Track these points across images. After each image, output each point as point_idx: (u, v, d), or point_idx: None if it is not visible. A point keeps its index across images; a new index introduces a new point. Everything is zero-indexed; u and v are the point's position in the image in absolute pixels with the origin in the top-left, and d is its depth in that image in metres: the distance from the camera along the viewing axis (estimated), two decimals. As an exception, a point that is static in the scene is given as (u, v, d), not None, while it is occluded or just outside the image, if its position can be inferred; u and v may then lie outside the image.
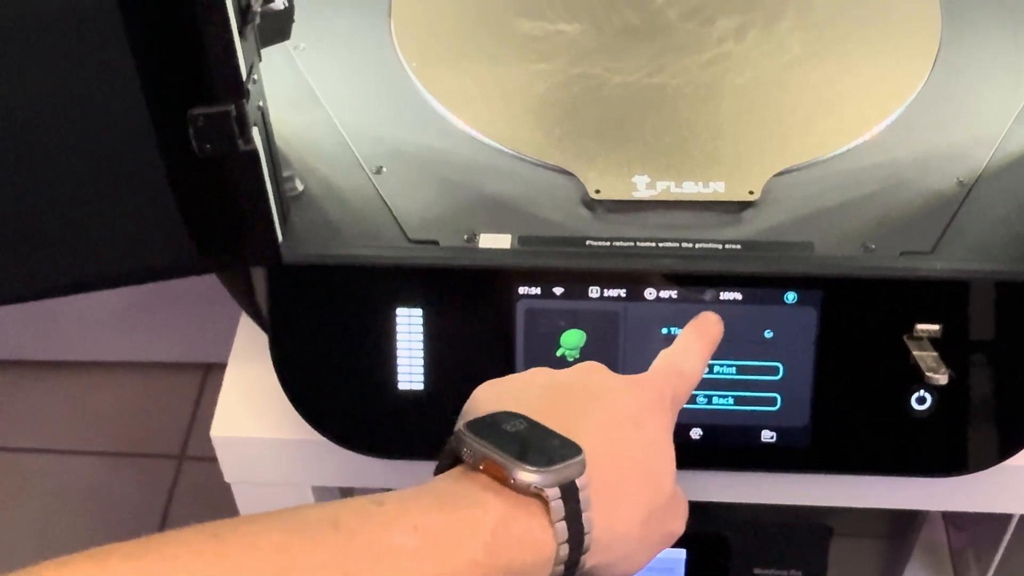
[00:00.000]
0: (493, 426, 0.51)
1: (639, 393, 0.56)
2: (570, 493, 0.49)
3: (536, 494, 0.48)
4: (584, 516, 0.49)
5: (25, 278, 0.67)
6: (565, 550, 0.49)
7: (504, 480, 0.48)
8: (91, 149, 0.63)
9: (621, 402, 0.55)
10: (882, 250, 0.68)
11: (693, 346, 0.61)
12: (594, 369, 0.58)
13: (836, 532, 0.98)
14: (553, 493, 0.48)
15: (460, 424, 0.52)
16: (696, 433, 0.72)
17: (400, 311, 0.70)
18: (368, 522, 0.45)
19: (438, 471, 0.52)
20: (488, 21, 0.85)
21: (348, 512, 0.46)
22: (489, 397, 0.55)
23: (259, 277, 0.72)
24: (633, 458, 0.53)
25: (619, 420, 0.54)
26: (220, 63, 0.59)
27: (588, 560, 0.50)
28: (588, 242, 0.70)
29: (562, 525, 0.48)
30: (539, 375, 0.57)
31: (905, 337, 0.67)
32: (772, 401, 0.70)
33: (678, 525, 0.57)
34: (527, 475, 0.48)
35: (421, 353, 0.70)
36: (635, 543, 0.53)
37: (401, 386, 0.71)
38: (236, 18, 0.58)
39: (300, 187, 0.73)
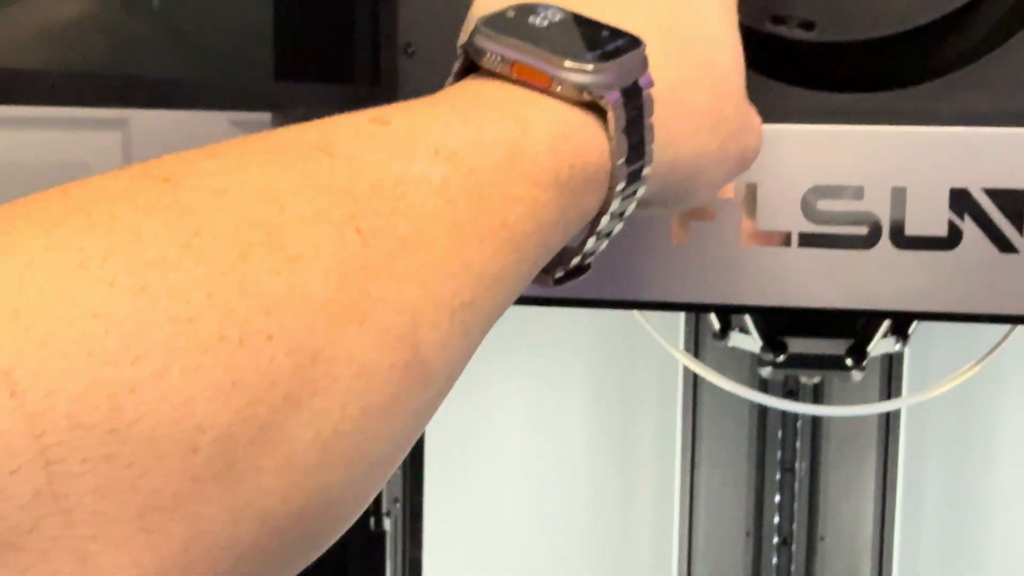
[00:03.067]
0: (520, 20, 0.39)
1: None
2: (632, 96, 0.38)
3: (589, 100, 0.37)
4: (646, 123, 0.39)
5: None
6: (623, 172, 0.38)
7: (545, 86, 0.37)
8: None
9: None
10: None
11: None
12: None
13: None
14: (613, 97, 0.37)
15: (471, 27, 0.40)
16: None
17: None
18: (372, 147, 0.33)
19: None
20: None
21: (342, 135, 0.33)
22: None
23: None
24: (695, 54, 0.43)
25: (671, 8, 0.43)
26: None
27: (651, 182, 0.40)
28: None
29: (622, 139, 0.38)
30: None
31: None
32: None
33: (754, 139, 0.48)
34: (578, 75, 0.37)
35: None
36: (706, 158, 0.44)
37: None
38: None
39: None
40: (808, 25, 0.56)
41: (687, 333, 1.11)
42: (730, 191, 0.56)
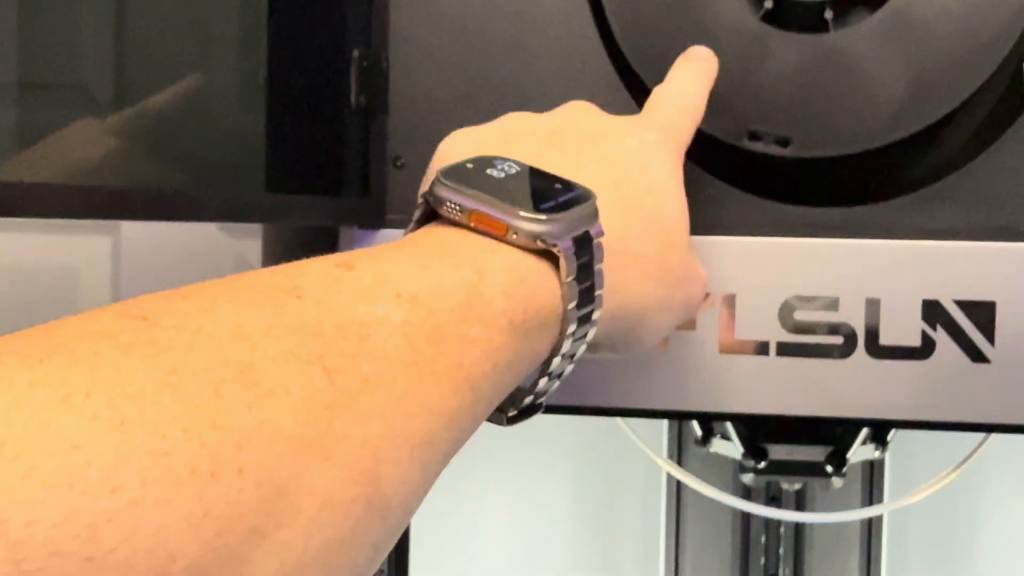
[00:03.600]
0: (478, 171, 0.41)
1: (642, 134, 0.48)
2: (583, 244, 0.40)
3: (543, 248, 0.39)
4: (596, 269, 0.41)
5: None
6: (575, 314, 0.40)
7: (501, 234, 0.39)
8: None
9: (621, 144, 0.47)
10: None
11: (691, 79, 0.53)
12: (585, 109, 0.49)
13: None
14: (565, 245, 0.39)
15: (432, 177, 0.42)
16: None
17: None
18: (338, 290, 0.34)
19: None
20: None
21: (309, 278, 0.35)
22: (463, 149, 0.45)
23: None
24: (643, 208, 0.45)
25: (622, 164, 0.46)
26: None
27: (601, 326, 0.42)
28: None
29: (573, 285, 0.40)
30: (521, 120, 0.49)
31: None
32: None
33: (698, 288, 0.50)
34: (532, 224, 0.39)
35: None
36: (652, 304, 0.46)
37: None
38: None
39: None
40: (783, 142, 0.57)
41: (670, 439, 1.11)
42: (711, 301, 0.57)
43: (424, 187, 0.44)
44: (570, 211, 0.40)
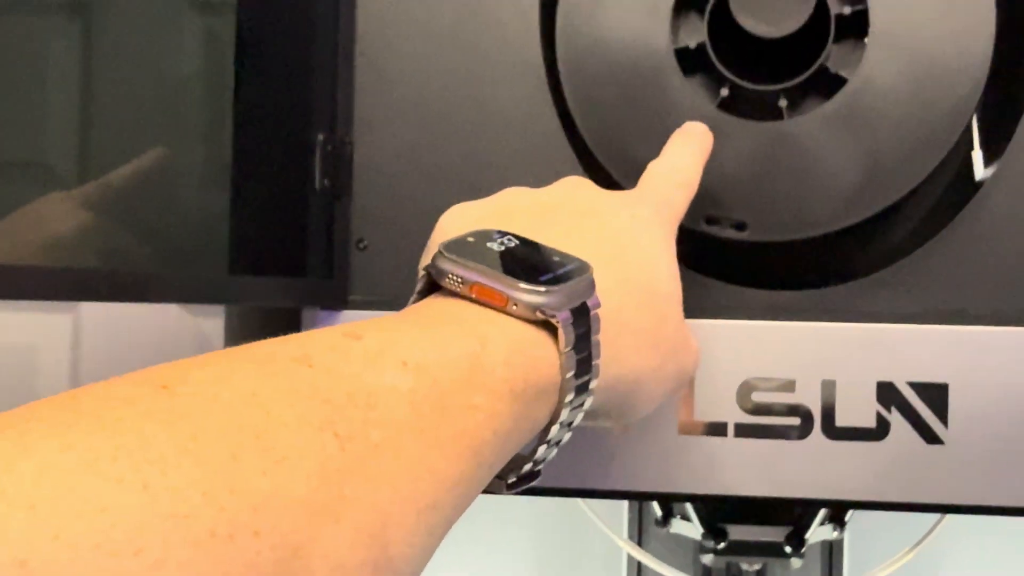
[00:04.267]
0: (478, 245, 0.42)
1: (635, 209, 0.49)
2: (581, 315, 0.41)
3: (542, 319, 0.40)
4: (593, 340, 0.42)
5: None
6: (572, 384, 0.41)
7: (501, 305, 0.40)
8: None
9: (615, 220, 0.48)
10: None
11: (685, 154, 0.54)
12: (580, 185, 0.51)
13: None
14: (564, 316, 0.40)
15: (433, 250, 0.43)
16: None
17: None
18: (347, 359, 0.35)
19: None
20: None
21: (319, 348, 0.36)
22: (462, 223, 0.46)
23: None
24: (638, 280, 0.46)
25: (616, 239, 0.47)
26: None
27: (598, 395, 0.43)
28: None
29: (571, 355, 0.41)
30: (518, 195, 0.50)
31: None
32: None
33: (691, 360, 0.51)
34: (532, 296, 0.40)
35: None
36: (647, 374, 0.47)
37: None
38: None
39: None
40: (740, 226, 0.58)
41: (631, 520, 1.11)
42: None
43: (425, 260, 0.45)
44: (568, 283, 0.41)
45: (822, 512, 0.92)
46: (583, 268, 0.43)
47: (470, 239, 0.43)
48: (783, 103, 0.59)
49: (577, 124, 0.61)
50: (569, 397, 0.41)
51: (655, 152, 0.58)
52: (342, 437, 0.33)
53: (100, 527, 0.27)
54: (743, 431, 0.58)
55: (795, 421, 0.57)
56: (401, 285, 0.62)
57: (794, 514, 0.92)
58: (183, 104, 0.62)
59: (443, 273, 0.41)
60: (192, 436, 0.30)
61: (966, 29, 0.58)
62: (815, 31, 0.58)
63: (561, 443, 0.44)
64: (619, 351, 0.45)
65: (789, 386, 0.57)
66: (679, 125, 0.58)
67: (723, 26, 0.58)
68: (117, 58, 0.60)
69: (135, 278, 0.55)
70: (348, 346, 0.36)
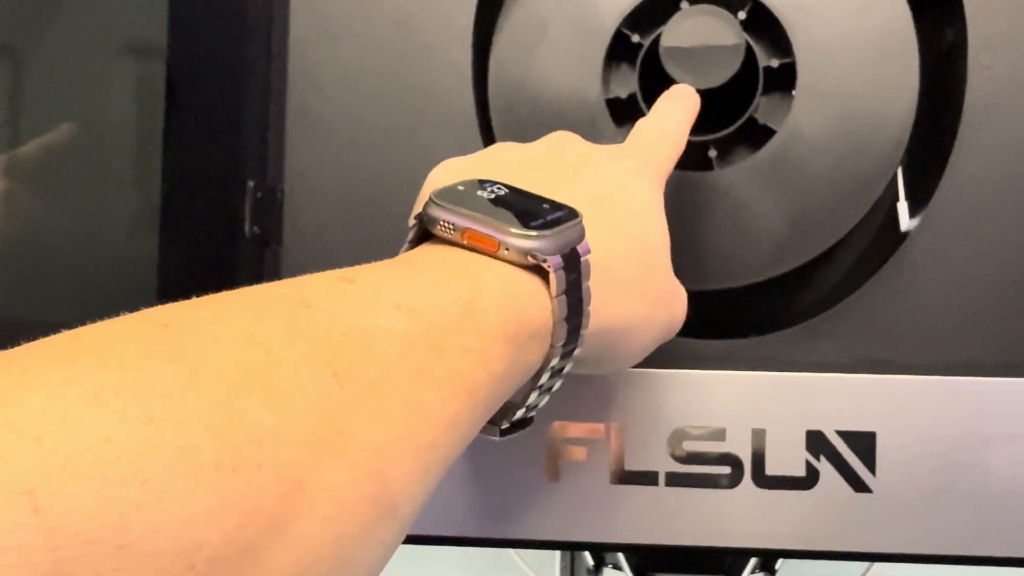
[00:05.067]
0: (468, 193, 0.43)
1: (624, 161, 0.49)
2: (571, 261, 0.41)
3: (533, 264, 0.41)
4: (584, 286, 0.42)
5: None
6: (563, 330, 0.42)
7: (493, 250, 0.41)
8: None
9: (604, 170, 0.48)
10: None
11: (672, 111, 0.54)
12: (568, 139, 0.51)
13: None
14: (555, 261, 0.41)
15: (424, 200, 0.44)
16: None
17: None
18: (343, 300, 0.36)
19: None
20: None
21: (315, 290, 0.36)
22: (452, 175, 0.46)
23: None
24: (626, 230, 0.46)
25: (605, 188, 0.47)
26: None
27: (587, 341, 0.44)
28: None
29: (563, 300, 0.41)
30: (506, 150, 0.50)
31: None
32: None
33: (679, 308, 0.51)
34: (523, 240, 0.40)
35: None
36: (636, 321, 0.47)
37: None
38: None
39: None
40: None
41: (562, 569, 1.11)
42: (600, 431, 0.58)
43: (417, 208, 0.45)
44: (558, 228, 0.42)
45: (753, 560, 0.92)
46: (573, 214, 0.43)
47: (460, 187, 0.43)
48: (712, 153, 0.60)
49: (509, 173, 0.61)
50: (560, 342, 0.42)
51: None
52: (340, 376, 0.33)
53: (106, 458, 0.27)
54: (674, 480, 0.58)
55: (726, 470, 0.57)
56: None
57: (725, 563, 0.93)
58: (111, 149, 0.61)
59: (434, 220, 0.42)
60: (194, 371, 0.30)
61: (891, 82, 0.59)
62: (744, 83, 0.59)
63: (552, 390, 0.45)
64: (609, 298, 0.45)
65: (719, 435, 0.57)
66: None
67: (654, 76, 0.59)
68: (45, 102, 0.60)
69: (56, 327, 0.54)
70: (343, 288, 0.37)
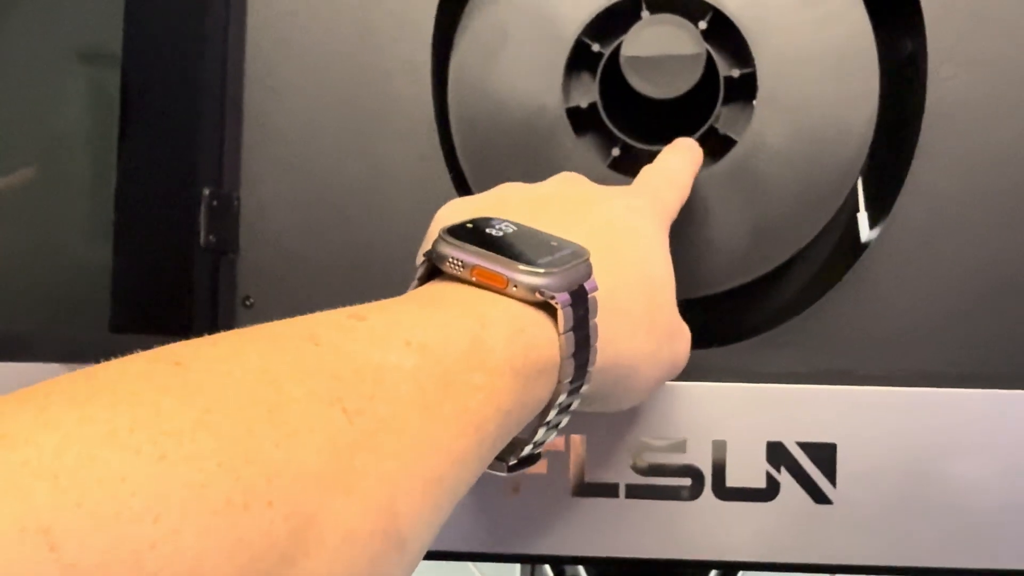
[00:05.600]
0: (477, 230, 0.43)
1: (629, 200, 0.50)
2: (579, 298, 0.42)
3: (542, 301, 0.41)
4: (591, 323, 0.43)
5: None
6: (571, 366, 0.42)
7: (501, 287, 0.41)
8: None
9: (611, 209, 0.49)
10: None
11: (676, 160, 0.55)
12: (576, 179, 0.51)
13: None
14: (563, 298, 0.41)
15: (432, 237, 0.44)
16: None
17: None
18: (352, 338, 0.36)
19: None
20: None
21: (325, 327, 0.37)
22: (460, 215, 0.46)
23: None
24: (632, 268, 0.47)
25: (612, 226, 0.48)
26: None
27: (594, 378, 0.44)
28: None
29: (570, 336, 0.41)
30: (514, 190, 0.50)
31: None
32: None
33: (684, 346, 0.51)
34: (532, 278, 0.41)
35: None
36: (642, 358, 0.47)
37: None
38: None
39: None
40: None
41: (523, 582, 1.10)
42: (561, 444, 0.57)
43: (426, 246, 0.46)
44: (566, 266, 0.42)
45: (713, 573, 0.92)
46: (580, 252, 0.43)
47: (469, 225, 0.44)
48: (674, 163, 0.59)
49: (469, 182, 0.61)
50: (568, 378, 0.42)
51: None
52: (350, 412, 0.34)
53: (120, 496, 0.27)
54: (635, 492, 0.57)
55: (686, 482, 0.57)
56: (288, 344, 0.61)
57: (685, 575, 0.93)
58: (65, 156, 0.61)
59: (443, 257, 0.42)
60: (206, 409, 0.31)
61: (851, 93, 0.59)
62: (705, 93, 0.58)
63: (560, 427, 0.45)
64: (616, 335, 0.45)
65: (680, 446, 0.57)
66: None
67: (615, 86, 0.58)
68: (-2, 108, 0.59)
69: (10, 337, 0.53)
70: (353, 326, 0.37)
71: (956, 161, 0.59)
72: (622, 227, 0.48)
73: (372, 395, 0.35)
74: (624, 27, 0.59)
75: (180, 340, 0.60)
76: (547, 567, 0.98)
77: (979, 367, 0.58)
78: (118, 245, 0.59)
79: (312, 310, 0.61)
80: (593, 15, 0.60)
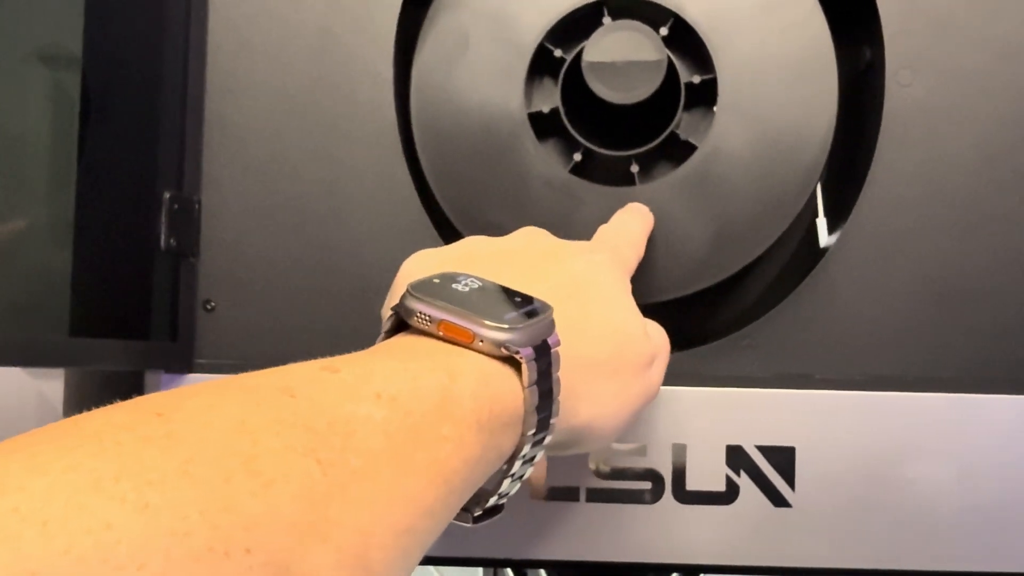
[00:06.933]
0: (443, 286, 0.44)
1: (590, 254, 0.51)
2: (542, 353, 0.43)
3: (507, 356, 0.42)
4: (554, 376, 0.44)
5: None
6: (534, 418, 0.43)
7: (467, 342, 0.42)
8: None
9: (574, 264, 0.50)
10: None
11: (631, 220, 0.57)
12: (538, 234, 0.53)
13: None
14: (527, 353, 0.42)
15: (399, 292, 0.45)
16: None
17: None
18: (326, 390, 0.37)
19: None
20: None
21: (300, 380, 0.38)
22: (425, 269, 0.47)
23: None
24: (593, 315, 0.48)
25: (575, 281, 0.49)
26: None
27: (556, 429, 0.45)
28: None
29: (534, 390, 0.42)
30: (479, 244, 0.52)
31: None
32: None
33: (656, 372, 0.52)
34: (497, 333, 0.42)
35: None
36: (606, 404, 0.48)
37: None
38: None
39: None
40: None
41: (485, 587, 1.10)
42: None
43: (391, 302, 0.47)
44: (530, 321, 0.43)
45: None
46: (544, 308, 0.45)
47: (436, 280, 0.45)
48: (635, 169, 0.60)
49: (432, 188, 0.61)
50: (532, 430, 0.43)
51: (507, 215, 0.58)
52: (324, 463, 0.34)
53: (106, 543, 0.28)
54: (595, 495, 0.58)
55: (647, 485, 0.57)
56: (249, 347, 0.61)
57: (647, 579, 0.93)
58: (23, 158, 0.60)
59: (411, 312, 0.43)
60: (188, 459, 0.31)
61: (811, 100, 0.59)
62: (666, 99, 0.59)
63: (524, 477, 0.46)
64: (579, 387, 0.47)
65: (641, 450, 0.57)
66: (532, 189, 0.58)
67: (577, 92, 0.59)
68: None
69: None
70: (327, 379, 0.38)
71: (914, 168, 0.59)
72: (584, 281, 0.49)
73: (344, 447, 0.35)
74: (586, 33, 0.59)
75: (140, 343, 0.60)
76: (509, 571, 0.98)
77: (936, 372, 0.59)
78: (78, 248, 0.59)
79: (272, 314, 0.61)
80: (555, 21, 0.60)
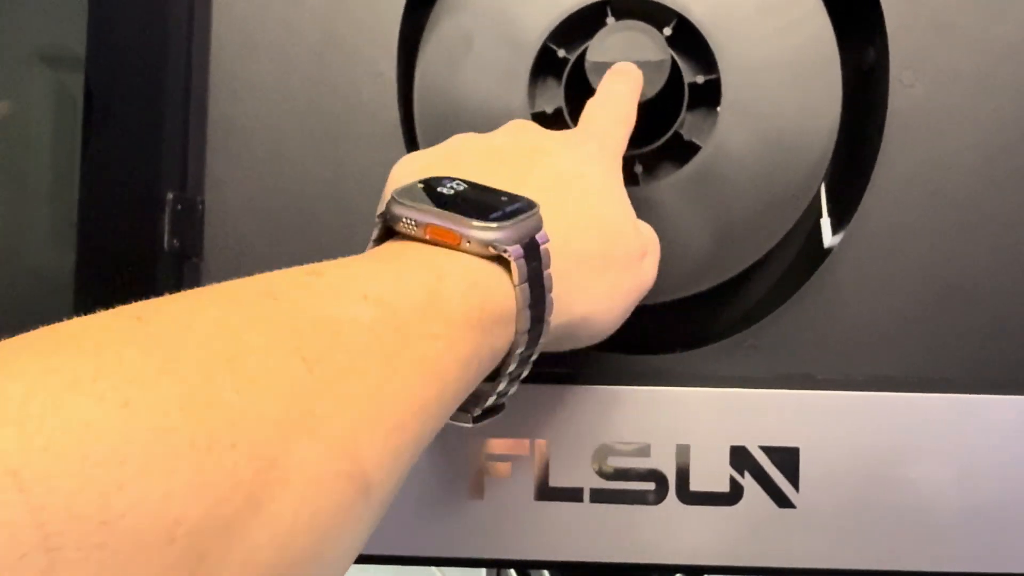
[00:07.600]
0: (429, 190, 0.44)
1: (579, 146, 0.51)
2: (532, 250, 0.43)
3: (495, 255, 0.42)
4: (545, 273, 0.44)
5: None
6: (527, 316, 0.43)
7: (455, 244, 0.42)
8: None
9: (561, 159, 0.49)
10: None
11: (618, 89, 0.55)
12: (526, 127, 0.52)
13: None
14: (516, 251, 0.42)
15: (387, 198, 0.45)
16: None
17: None
18: (310, 293, 0.37)
19: None
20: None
21: (283, 284, 0.38)
22: (412, 171, 0.48)
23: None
24: (581, 210, 0.48)
25: (562, 177, 0.49)
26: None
27: (551, 326, 0.45)
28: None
29: (525, 288, 0.43)
30: (465, 141, 0.51)
31: None
32: None
33: (649, 265, 0.52)
34: (485, 232, 0.42)
35: None
36: (599, 297, 0.48)
37: None
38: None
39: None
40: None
41: (488, 588, 1.10)
42: (525, 448, 0.57)
43: (380, 208, 0.46)
44: (517, 219, 0.43)
45: (678, 577, 0.92)
46: (531, 205, 0.44)
47: (420, 185, 0.45)
48: (638, 168, 0.60)
49: (434, 187, 0.61)
50: (525, 328, 0.43)
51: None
52: (309, 360, 0.34)
53: (86, 440, 0.28)
54: (599, 496, 0.57)
55: (650, 486, 0.57)
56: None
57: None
58: (27, 160, 0.60)
59: (397, 218, 0.43)
60: (167, 359, 0.32)
61: (815, 99, 0.59)
62: (670, 99, 0.59)
63: (521, 377, 0.46)
64: (571, 283, 0.46)
65: (644, 451, 0.57)
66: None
67: (580, 92, 0.58)
68: (-43, 111, 0.58)
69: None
70: (311, 282, 0.38)
71: (917, 167, 0.59)
72: (572, 176, 0.49)
73: (330, 345, 0.35)
74: (589, 33, 0.59)
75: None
76: (512, 572, 0.97)
77: (940, 372, 0.59)
78: (81, 249, 0.59)
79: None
80: (558, 21, 0.60)
